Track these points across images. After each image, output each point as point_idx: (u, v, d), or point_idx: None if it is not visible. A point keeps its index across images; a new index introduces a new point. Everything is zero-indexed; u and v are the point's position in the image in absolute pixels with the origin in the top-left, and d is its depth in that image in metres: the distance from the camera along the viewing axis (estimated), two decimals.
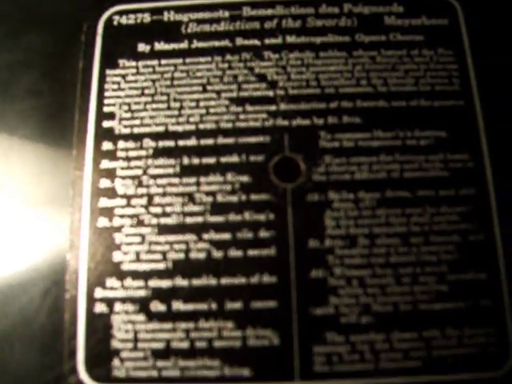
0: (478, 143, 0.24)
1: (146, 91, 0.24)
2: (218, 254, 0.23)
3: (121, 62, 0.25)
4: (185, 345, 0.22)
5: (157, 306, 0.22)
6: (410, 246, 0.22)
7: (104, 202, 0.23)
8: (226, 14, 0.25)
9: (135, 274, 0.22)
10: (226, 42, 0.25)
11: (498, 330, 0.22)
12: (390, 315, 0.22)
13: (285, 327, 0.22)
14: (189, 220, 0.23)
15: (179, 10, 0.25)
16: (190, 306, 0.22)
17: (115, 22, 0.26)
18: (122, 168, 0.24)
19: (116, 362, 0.22)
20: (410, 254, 0.22)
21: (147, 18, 0.26)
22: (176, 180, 0.23)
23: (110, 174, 0.23)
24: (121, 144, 0.24)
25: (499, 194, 0.23)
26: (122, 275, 0.22)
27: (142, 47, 0.25)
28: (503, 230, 0.23)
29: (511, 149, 0.24)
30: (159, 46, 0.25)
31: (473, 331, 0.22)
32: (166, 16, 0.26)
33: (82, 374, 0.22)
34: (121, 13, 0.26)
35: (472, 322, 0.22)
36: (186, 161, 0.23)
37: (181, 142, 0.24)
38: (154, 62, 0.25)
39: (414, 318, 0.22)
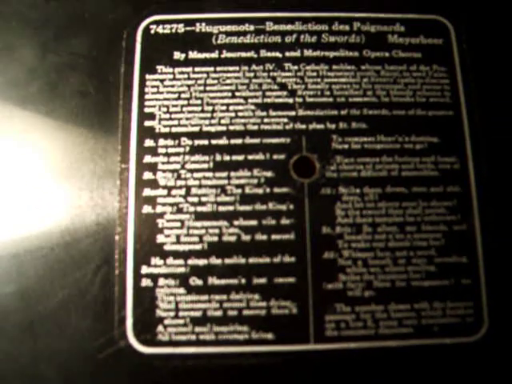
0: (464, 148, 0.27)
1: (182, 95, 0.27)
2: (246, 237, 0.26)
3: (158, 67, 0.28)
4: (218, 313, 0.26)
5: (195, 281, 0.26)
6: (405, 234, 0.26)
7: (147, 192, 0.26)
8: (252, 27, 0.28)
9: (176, 254, 0.26)
10: (251, 54, 0.28)
11: (474, 304, 0.26)
12: (388, 290, 0.26)
13: (302, 299, 0.26)
14: (221, 208, 0.26)
15: (210, 22, 0.28)
16: (222, 281, 0.26)
17: (152, 31, 0.28)
18: (163, 163, 0.27)
19: (160, 328, 0.26)
20: (405, 240, 0.26)
21: (181, 28, 0.28)
22: (210, 174, 0.27)
23: (152, 167, 0.27)
24: (161, 141, 0.27)
25: (480, 192, 0.27)
26: (164, 255, 0.26)
27: (178, 55, 0.28)
28: (482, 222, 0.27)
29: (492, 153, 0.28)
30: (193, 54, 0.28)
31: (454, 304, 0.26)
32: (198, 27, 0.28)
33: (131, 338, 0.26)
34: (157, 22, 0.28)
35: (454, 297, 0.26)
36: (218, 157, 0.27)
37: (213, 141, 0.27)
38: (189, 69, 0.28)
39: (407, 292, 0.26)
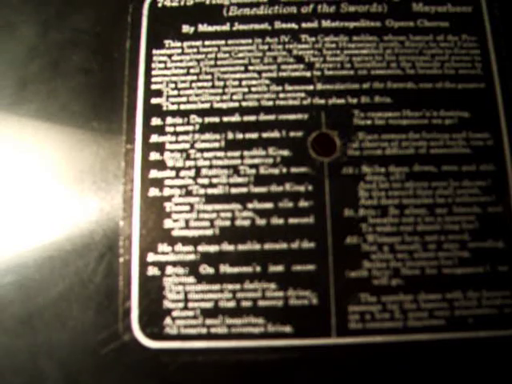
0: (498, 123, 0.25)
1: (192, 70, 0.25)
2: (261, 221, 0.24)
3: (166, 42, 0.25)
4: (231, 304, 0.23)
5: (205, 269, 0.23)
6: (435, 216, 0.24)
7: (154, 174, 0.24)
8: None
9: (185, 240, 0.24)
10: (265, 25, 0.26)
11: None
12: (417, 278, 0.23)
13: (322, 288, 0.23)
14: (234, 190, 0.24)
15: None
16: (235, 269, 0.23)
17: (160, 4, 0.26)
18: (171, 142, 0.24)
19: (168, 320, 0.23)
20: (435, 223, 0.24)
21: (190, 0, 0.26)
22: (221, 153, 0.24)
23: (160, 147, 0.24)
24: (169, 120, 0.25)
25: None
26: (172, 241, 0.24)
27: (187, 28, 0.26)
28: None
29: None
30: (202, 27, 0.26)
31: (490, 294, 0.23)
32: None
33: (136, 331, 0.23)
34: None
35: (490, 286, 0.23)
36: (230, 136, 0.24)
37: (225, 118, 0.25)
38: (198, 43, 0.25)
39: (438, 281, 0.23)
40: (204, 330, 0.23)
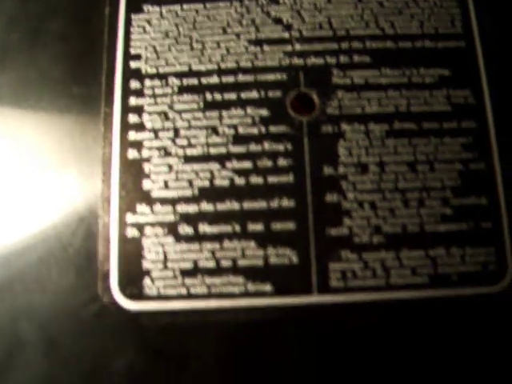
0: (479, 80, 0.24)
1: (170, 34, 0.24)
2: (240, 180, 0.23)
3: (145, 7, 0.24)
4: (211, 264, 0.22)
5: (184, 229, 0.22)
6: (416, 173, 0.23)
7: (133, 136, 0.23)
8: None
9: (164, 201, 0.22)
10: None
11: (496, 250, 0.22)
12: (399, 235, 0.22)
13: (303, 246, 0.22)
14: (213, 150, 0.23)
15: None
16: (215, 229, 0.22)
17: None
18: (149, 104, 0.23)
19: (147, 281, 0.22)
20: (416, 180, 0.23)
21: None
22: (200, 114, 0.23)
23: (138, 110, 0.23)
24: (147, 82, 0.24)
25: (498, 127, 0.24)
26: (151, 202, 0.22)
27: None
28: (502, 160, 0.23)
29: (509, 85, 0.24)
30: None
31: (474, 250, 0.22)
32: None
33: (116, 293, 0.22)
34: None
35: (473, 242, 0.22)
36: (209, 97, 0.23)
37: (204, 80, 0.24)
38: (177, 7, 0.24)
39: (420, 238, 0.22)
40: (184, 290, 0.22)
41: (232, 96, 0.23)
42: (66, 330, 0.22)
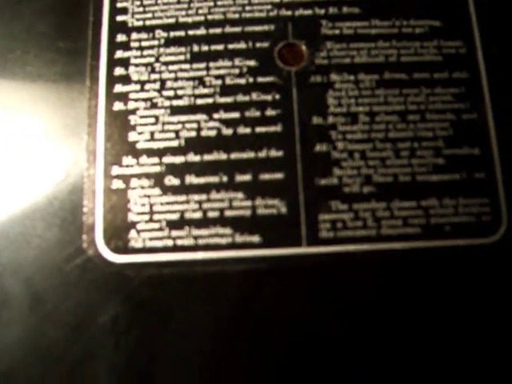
0: (471, 31, 0.23)
1: None
2: (227, 131, 0.22)
3: None
4: (198, 215, 0.21)
5: (171, 180, 0.22)
6: (407, 123, 0.22)
7: (119, 88, 0.22)
8: None
9: (150, 152, 0.22)
10: None
11: (490, 201, 0.21)
12: (390, 185, 0.21)
13: (291, 197, 0.21)
14: (199, 101, 0.22)
15: None
16: (201, 180, 0.21)
17: None
18: (136, 57, 0.23)
19: (133, 233, 0.21)
20: (407, 129, 0.22)
21: None
22: (187, 66, 0.22)
23: (124, 62, 0.23)
24: (134, 35, 0.23)
25: (490, 77, 0.23)
26: (137, 153, 0.22)
27: None
28: (495, 110, 0.22)
29: (501, 35, 0.23)
30: None
31: (467, 201, 0.21)
32: None
33: (101, 246, 0.21)
34: None
35: (467, 193, 0.21)
36: (196, 48, 0.23)
37: (190, 32, 0.23)
38: None
39: (412, 188, 0.21)
40: (170, 242, 0.21)
41: (219, 47, 0.23)
42: (51, 283, 0.21)
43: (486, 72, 0.22)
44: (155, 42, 0.23)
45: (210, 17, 0.23)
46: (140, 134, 0.22)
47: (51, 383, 0.21)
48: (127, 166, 0.22)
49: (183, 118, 0.22)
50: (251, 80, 0.22)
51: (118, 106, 0.22)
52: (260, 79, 0.22)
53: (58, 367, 0.21)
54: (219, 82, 0.22)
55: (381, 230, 0.21)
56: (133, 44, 0.23)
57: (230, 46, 0.23)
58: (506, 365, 0.21)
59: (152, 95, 0.22)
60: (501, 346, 0.21)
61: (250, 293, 0.21)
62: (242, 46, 0.23)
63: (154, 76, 0.23)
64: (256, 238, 0.21)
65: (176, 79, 0.22)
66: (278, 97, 0.22)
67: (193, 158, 0.22)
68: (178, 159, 0.22)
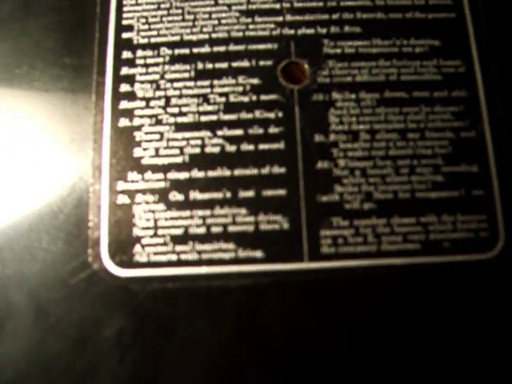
0: (469, 51, 0.23)
1: (162, 5, 0.24)
2: (231, 148, 0.22)
3: None
4: (201, 230, 0.21)
5: (175, 196, 0.22)
6: (407, 141, 0.22)
7: (124, 104, 0.23)
8: None
9: (155, 168, 0.22)
10: None
11: (488, 217, 0.22)
12: (390, 202, 0.22)
13: (294, 213, 0.21)
14: (204, 118, 0.22)
15: None
16: (205, 195, 0.22)
17: None
18: (141, 74, 0.23)
19: (138, 248, 0.21)
20: (407, 147, 0.22)
21: None
22: (191, 83, 0.23)
23: (130, 79, 0.23)
24: (139, 53, 0.23)
25: (488, 96, 0.23)
26: (142, 169, 0.22)
27: None
28: (492, 128, 0.23)
29: (500, 54, 0.24)
30: None
31: (466, 217, 0.22)
32: None
33: (106, 260, 0.22)
34: None
35: (465, 209, 0.22)
36: (200, 66, 0.23)
37: (195, 50, 0.23)
38: None
39: (412, 205, 0.22)
40: (174, 257, 0.21)
41: (223, 65, 0.23)
42: (55, 297, 0.22)
43: (485, 91, 0.23)
44: (160, 60, 0.23)
45: (214, 35, 0.23)
46: (145, 150, 0.22)
47: None
48: (132, 182, 0.22)
49: (188, 134, 0.22)
50: (254, 98, 0.23)
51: (123, 122, 0.23)
52: (263, 97, 0.23)
53: (62, 380, 0.21)
54: (223, 99, 0.23)
55: (381, 245, 0.21)
56: (138, 61, 0.23)
57: (234, 64, 0.23)
58: (504, 378, 0.21)
59: (157, 112, 0.23)
60: (499, 360, 0.21)
61: (252, 307, 0.21)
62: (245, 64, 0.23)
63: (159, 93, 0.23)
64: (259, 253, 0.21)
65: (181, 96, 0.23)
66: (280, 115, 0.22)
67: (197, 174, 0.22)
68: (183, 175, 0.22)
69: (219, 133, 0.22)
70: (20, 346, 0.22)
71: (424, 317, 0.21)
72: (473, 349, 0.21)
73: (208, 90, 0.23)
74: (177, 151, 0.22)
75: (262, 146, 0.22)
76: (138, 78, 0.23)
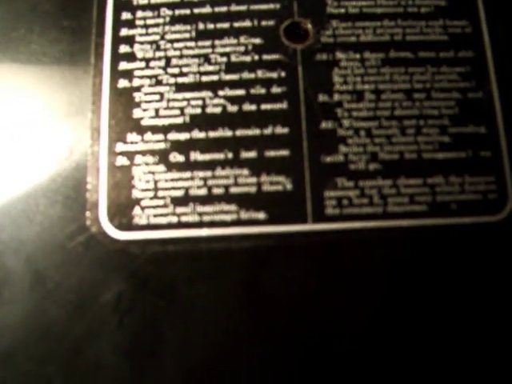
0: (476, 10, 0.23)
1: None
2: (232, 108, 0.21)
3: None
4: (202, 192, 0.21)
5: (175, 157, 0.21)
6: (413, 101, 0.21)
7: (124, 65, 0.22)
8: None
9: (155, 129, 0.21)
10: None
11: (496, 179, 0.21)
12: (396, 163, 0.21)
13: (297, 173, 0.21)
14: (205, 78, 0.22)
15: None
16: (206, 156, 0.21)
17: None
18: (141, 35, 0.22)
19: (137, 210, 0.21)
20: (413, 107, 0.21)
21: None
22: (192, 43, 0.22)
23: (129, 40, 0.22)
24: (139, 13, 0.23)
25: (496, 56, 0.22)
26: (141, 130, 0.21)
27: None
28: (500, 88, 0.22)
29: (507, 14, 0.23)
30: None
31: (473, 179, 0.21)
32: None
33: (104, 223, 0.21)
34: None
35: (473, 171, 0.21)
36: (201, 26, 0.22)
37: (196, 10, 0.22)
38: None
39: (418, 165, 0.21)
40: (174, 219, 0.21)
41: (225, 25, 0.22)
42: (53, 261, 0.21)
43: (492, 51, 0.22)
44: (160, 20, 0.23)
45: None
46: (145, 110, 0.22)
47: (53, 362, 0.21)
48: (132, 143, 0.21)
49: (188, 95, 0.22)
50: (256, 58, 0.22)
51: (122, 83, 0.22)
52: (265, 57, 0.22)
53: (60, 346, 0.21)
54: (224, 59, 0.22)
55: (387, 207, 0.21)
56: (138, 22, 0.22)
57: (236, 24, 0.22)
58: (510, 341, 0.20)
59: (157, 72, 0.22)
60: (506, 324, 0.20)
61: (255, 269, 0.20)
62: (247, 24, 0.22)
63: (159, 53, 0.22)
64: (261, 215, 0.21)
65: (181, 57, 0.22)
66: (283, 74, 0.22)
67: (198, 134, 0.21)
68: (183, 136, 0.21)
69: (220, 93, 0.22)
70: (17, 313, 0.21)
71: (430, 280, 0.20)
72: (480, 311, 0.20)
73: (209, 50, 0.22)
74: (177, 112, 0.22)
75: (264, 106, 0.21)
76: (137, 38, 0.22)
